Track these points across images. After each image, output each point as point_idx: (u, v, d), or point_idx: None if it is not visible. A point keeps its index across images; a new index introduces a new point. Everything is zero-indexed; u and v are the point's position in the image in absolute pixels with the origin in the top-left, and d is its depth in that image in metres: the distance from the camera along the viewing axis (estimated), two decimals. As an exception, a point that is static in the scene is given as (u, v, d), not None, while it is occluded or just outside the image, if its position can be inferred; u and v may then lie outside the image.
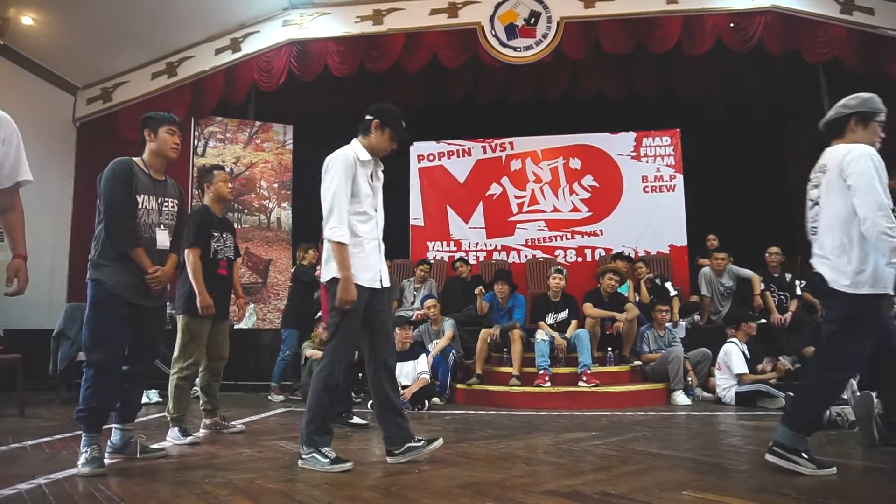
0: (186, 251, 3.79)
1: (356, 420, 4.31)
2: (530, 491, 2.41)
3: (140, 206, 3.03)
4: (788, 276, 6.50)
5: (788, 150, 8.70)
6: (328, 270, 2.93)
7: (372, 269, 2.97)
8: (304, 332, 6.29)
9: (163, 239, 3.11)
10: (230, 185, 4.17)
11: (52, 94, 7.53)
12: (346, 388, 4.49)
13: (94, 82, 7.85)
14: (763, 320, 6.22)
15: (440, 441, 3.06)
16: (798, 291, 6.41)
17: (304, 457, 2.83)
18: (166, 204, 3.16)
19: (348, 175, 2.90)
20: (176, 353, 3.80)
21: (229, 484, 2.55)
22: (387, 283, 3.09)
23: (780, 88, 8.45)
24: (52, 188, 7.27)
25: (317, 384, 2.88)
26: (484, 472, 2.76)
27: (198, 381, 4.02)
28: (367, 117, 3.07)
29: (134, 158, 3.14)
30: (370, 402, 5.09)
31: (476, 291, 6.30)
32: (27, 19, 6.61)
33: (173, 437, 3.64)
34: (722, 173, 8.31)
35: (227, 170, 7.85)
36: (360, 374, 6.13)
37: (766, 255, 6.61)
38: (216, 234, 3.96)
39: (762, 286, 6.45)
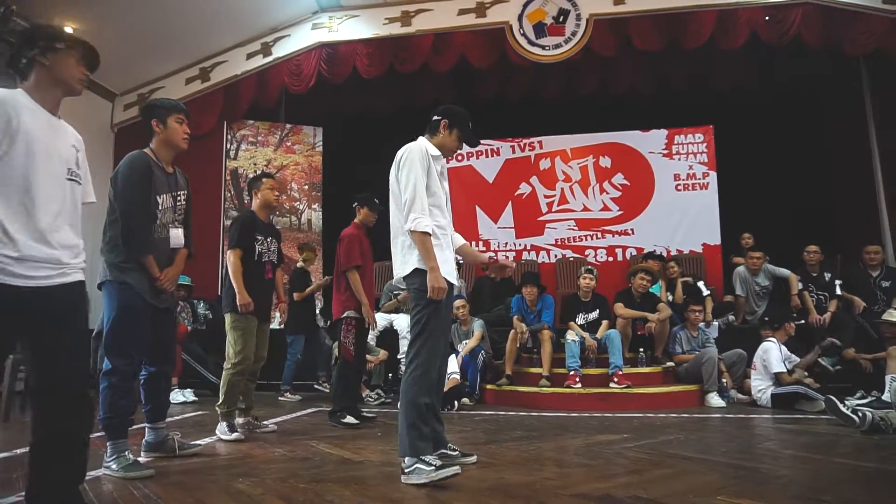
0: (228, 252, 3.89)
1: (348, 419, 4.29)
2: (561, 494, 2.39)
3: (160, 206, 2.98)
4: (828, 276, 6.31)
5: (827, 146, 8.44)
6: (408, 262, 2.84)
7: (449, 263, 2.89)
8: (309, 336, 6.46)
9: (177, 237, 3.08)
10: (277, 192, 4.19)
11: (92, 101, 7.75)
12: (353, 386, 4.50)
13: (131, 88, 8.06)
14: (801, 321, 6.07)
15: (474, 458, 3.01)
16: (838, 291, 6.22)
17: (406, 471, 2.58)
18: (179, 198, 3.10)
19: (423, 167, 2.83)
20: (229, 350, 3.86)
21: (262, 483, 2.59)
22: (457, 283, 3.02)
23: (819, 82, 8.22)
24: (90, 192, 7.47)
25: (408, 386, 2.72)
26: (513, 474, 2.75)
27: None
28: (435, 117, 3.03)
29: (146, 151, 3.03)
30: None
31: (521, 332, 5.91)
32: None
33: (221, 432, 3.71)
34: (758, 170, 8.12)
35: (258, 172, 8.09)
36: (390, 374, 6.21)
37: (804, 253, 6.43)
38: (260, 238, 3.99)
39: (800, 286, 6.29)
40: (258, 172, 4.23)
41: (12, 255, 1.95)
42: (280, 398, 6.19)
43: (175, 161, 3.18)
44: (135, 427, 2.97)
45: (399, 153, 2.93)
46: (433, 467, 2.54)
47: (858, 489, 2.47)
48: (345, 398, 4.44)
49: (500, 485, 2.55)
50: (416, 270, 2.82)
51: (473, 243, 8.35)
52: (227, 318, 3.87)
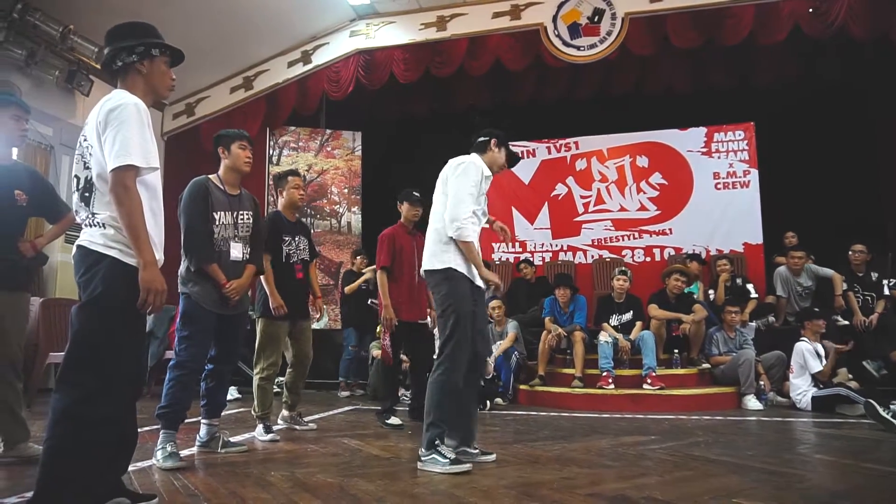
0: None
1: (393, 420, 4.38)
2: (576, 493, 2.45)
3: (217, 222, 3.25)
4: (875, 275, 6.11)
5: (876, 141, 8.13)
6: (444, 261, 3.01)
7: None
8: (362, 330, 6.73)
9: (236, 251, 3.31)
10: (302, 190, 4.22)
11: (144, 111, 8.14)
12: (392, 387, 4.65)
13: (179, 98, 8.42)
14: (846, 322, 5.90)
15: (493, 457, 3.09)
16: (886, 291, 6.02)
17: (423, 458, 2.88)
18: (242, 217, 3.36)
19: (477, 182, 3.07)
20: (256, 355, 3.98)
21: (292, 477, 2.74)
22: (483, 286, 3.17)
23: (867, 75, 7.93)
24: (143, 198, 7.87)
25: (434, 387, 2.92)
26: (534, 473, 2.82)
27: (285, 376, 4.24)
28: (483, 138, 3.24)
29: (210, 176, 3.36)
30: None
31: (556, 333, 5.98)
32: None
33: (258, 434, 3.85)
34: (803, 166, 7.88)
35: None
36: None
37: (850, 252, 6.24)
38: (287, 238, 4.07)
39: (844, 286, 6.10)
40: (282, 171, 4.20)
41: (156, 257, 2.11)
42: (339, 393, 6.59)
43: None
44: (189, 420, 3.19)
45: (457, 161, 3.12)
46: (447, 460, 2.79)
47: (881, 495, 2.44)
48: (389, 399, 4.55)
49: (517, 483, 2.62)
50: (449, 269, 2.99)
51: (509, 244, 8.41)
52: (259, 323, 3.99)
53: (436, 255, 3.05)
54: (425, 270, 3.11)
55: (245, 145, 3.39)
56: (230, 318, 3.25)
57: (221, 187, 3.34)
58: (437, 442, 2.87)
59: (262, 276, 3.93)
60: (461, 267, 3.02)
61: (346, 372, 6.69)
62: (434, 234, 3.10)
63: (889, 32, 6.68)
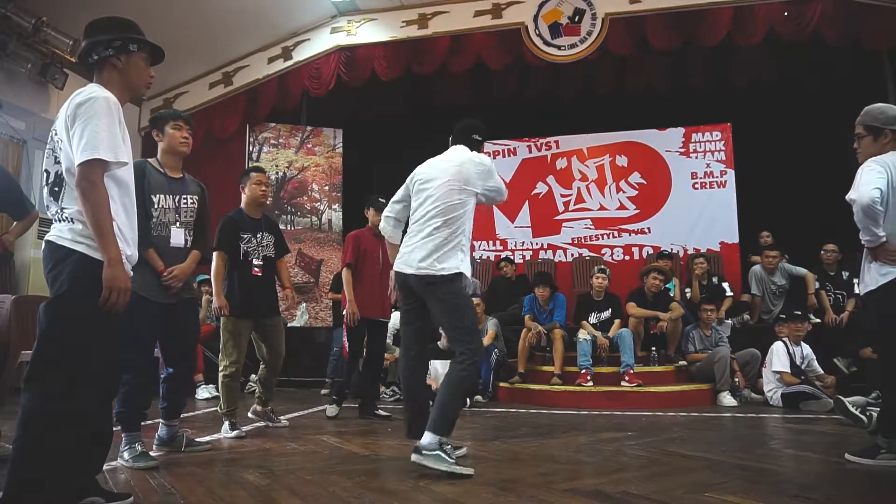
0: (213, 254, 3.84)
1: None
2: (552, 489, 2.48)
3: (156, 205, 3.10)
4: (846, 274, 6.25)
5: (850, 142, 8.28)
6: (451, 265, 3.02)
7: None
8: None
9: (177, 236, 3.17)
10: (265, 187, 4.07)
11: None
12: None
13: (156, 93, 8.30)
14: (817, 320, 6.03)
15: (464, 450, 3.10)
16: (856, 290, 6.13)
17: (425, 452, 2.69)
18: (185, 201, 3.22)
19: None
20: (221, 354, 3.95)
21: (270, 474, 2.73)
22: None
23: (842, 77, 8.08)
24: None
25: (455, 383, 2.83)
26: (510, 470, 2.85)
27: (259, 372, 4.21)
28: (477, 137, 3.34)
29: (149, 160, 3.23)
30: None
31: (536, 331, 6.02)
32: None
33: (223, 432, 3.84)
34: (779, 167, 8.02)
35: (279, 174, 8.30)
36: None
37: (822, 252, 6.38)
38: (245, 236, 3.95)
39: (817, 285, 6.24)
40: (250, 167, 4.07)
41: (127, 254, 2.09)
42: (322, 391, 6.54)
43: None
44: (150, 422, 3.14)
45: (479, 158, 3.18)
46: (453, 461, 2.65)
47: (847, 487, 2.51)
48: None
49: (495, 479, 2.64)
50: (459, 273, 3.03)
51: (490, 242, 8.46)
52: (221, 320, 3.94)
53: (446, 259, 3.03)
54: (430, 274, 3.01)
55: (180, 125, 3.23)
56: (177, 306, 3.12)
57: (161, 170, 3.20)
58: (445, 440, 2.73)
59: (212, 273, 3.86)
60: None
61: (333, 371, 6.64)
62: (434, 232, 3.08)
63: (859, 37, 6.84)
